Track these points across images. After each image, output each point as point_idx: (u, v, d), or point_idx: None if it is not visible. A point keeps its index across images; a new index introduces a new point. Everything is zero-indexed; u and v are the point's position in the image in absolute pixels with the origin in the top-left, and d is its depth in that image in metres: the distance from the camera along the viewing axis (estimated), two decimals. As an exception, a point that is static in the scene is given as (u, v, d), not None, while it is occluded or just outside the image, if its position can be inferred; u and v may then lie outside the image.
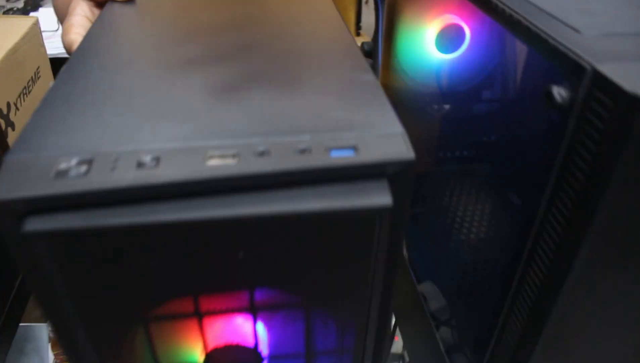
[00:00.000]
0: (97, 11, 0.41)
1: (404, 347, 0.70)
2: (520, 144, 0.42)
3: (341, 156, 0.24)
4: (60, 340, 0.27)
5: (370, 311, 0.29)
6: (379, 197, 0.24)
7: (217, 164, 0.23)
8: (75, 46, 0.37)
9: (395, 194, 0.24)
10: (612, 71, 0.24)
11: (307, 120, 0.26)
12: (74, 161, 0.23)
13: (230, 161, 0.24)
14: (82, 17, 0.40)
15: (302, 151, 0.24)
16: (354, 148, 0.25)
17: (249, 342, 0.30)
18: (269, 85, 0.30)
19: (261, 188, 0.24)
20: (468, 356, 0.46)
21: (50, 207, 0.22)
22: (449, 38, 0.53)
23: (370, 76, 0.32)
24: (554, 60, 0.27)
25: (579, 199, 0.26)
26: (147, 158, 0.23)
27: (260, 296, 0.28)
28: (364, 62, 0.33)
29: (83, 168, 0.23)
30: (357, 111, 0.27)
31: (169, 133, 0.25)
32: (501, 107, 0.50)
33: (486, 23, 0.52)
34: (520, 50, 0.48)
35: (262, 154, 0.24)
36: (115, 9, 0.42)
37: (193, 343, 0.30)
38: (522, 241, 0.34)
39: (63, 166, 0.23)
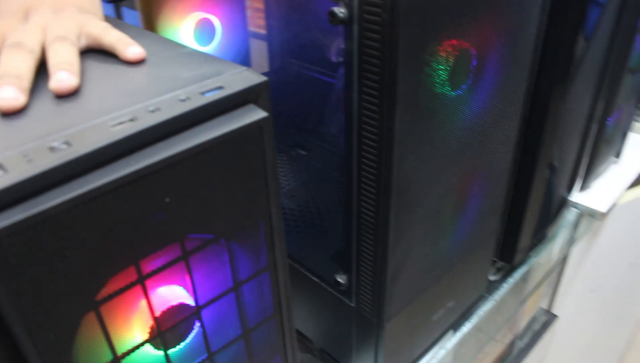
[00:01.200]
0: None
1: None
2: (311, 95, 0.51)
3: (214, 94, 0.30)
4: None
5: (272, 219, 0.35)
6: (256, 113, 0.30)
7: (122, 128, 0.27)
8: None
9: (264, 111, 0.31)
10: (369, -20, 0.34)
11: (176, 81, 0.31)
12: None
13: (131, 123, 0.27)
14: None
15: (183, 100, 0.29)
16: (221, 87, 0.30)
17: (187, 297, 0.33)
18: (133, 72, 0.33)
19: (164, 137, 0.28)
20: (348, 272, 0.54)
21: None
22: (204, 32, 0.60)
23: (188, 48, 0.37)
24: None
25: (381, 75, 0.36)
26: (57, 143, 0.26)
27: (188, 245, 0.31)
28: (178, 43, 0.38)
29: (-1, 172, 0.24)
30: (205, 67, 0.33)
31: (68, 121, 0.27)
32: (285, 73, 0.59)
33: (232, 14, 0.61)
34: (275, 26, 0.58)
35: (153, 111, 0.28)
36: None
37: (140, 318, 0.32)
38: (349, 148, 0.43)
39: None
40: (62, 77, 0.31)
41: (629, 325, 1.38)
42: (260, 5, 0.64)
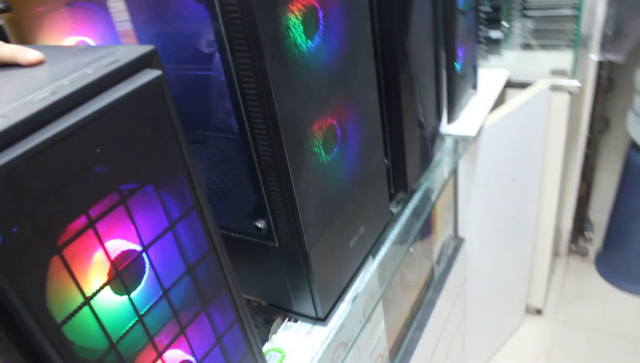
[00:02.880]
0: None
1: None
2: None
3: (114, 64, 0.37)
4: None
5: (187, 162, 0.42)
6: (152, 73, 0.38)
7: (47, 100, 0.33)
8: None
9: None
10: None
11: (78, 65, 0.38)
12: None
13: (53, 95, 0.33)
14: None
15: (90, 74, 0.36)
16: (118, 60, 0.37)
17: (132, 245, 0.40)
18: (38, 69, 0.40)
19: (82, 103, 0.34)
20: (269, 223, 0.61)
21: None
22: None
23: (80, 46, 0.44)
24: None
25: (246, 34, 0.45)
26: (-5, 120, 0.31)
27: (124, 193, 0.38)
28: (67, 45, 0.45)
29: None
30: (98, 52, 0.40)
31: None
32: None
33: (105, 34, 0.67)
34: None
35: (69, 85, 0.35)
36: None
37: (98, 266, 0.38)
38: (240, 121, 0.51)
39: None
40: None
41: (526, 238, 1.57)
42: (129, 27, 0.70)
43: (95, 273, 0.38)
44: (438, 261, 1.13)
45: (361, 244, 0.73)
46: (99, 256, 0.38)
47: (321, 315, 0.66)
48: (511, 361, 1.68)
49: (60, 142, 0.32)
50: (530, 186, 1.45)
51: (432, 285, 1.09)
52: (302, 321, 0.68)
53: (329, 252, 0.64)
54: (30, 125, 0.32)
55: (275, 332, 0.68)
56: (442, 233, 1.14)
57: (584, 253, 2.03)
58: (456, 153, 1.05)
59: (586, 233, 2.01)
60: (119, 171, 0.37)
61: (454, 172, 1.11)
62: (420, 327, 0.99)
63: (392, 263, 0.78)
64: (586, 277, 1.95)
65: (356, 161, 0.66)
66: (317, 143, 0.56)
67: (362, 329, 0.68)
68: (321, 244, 0.61)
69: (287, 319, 0.70)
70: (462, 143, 1.06)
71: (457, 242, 1.20)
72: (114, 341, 0.40)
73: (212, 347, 0.49)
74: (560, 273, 1.96)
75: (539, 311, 1.80)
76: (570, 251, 2.05)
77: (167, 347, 0.44)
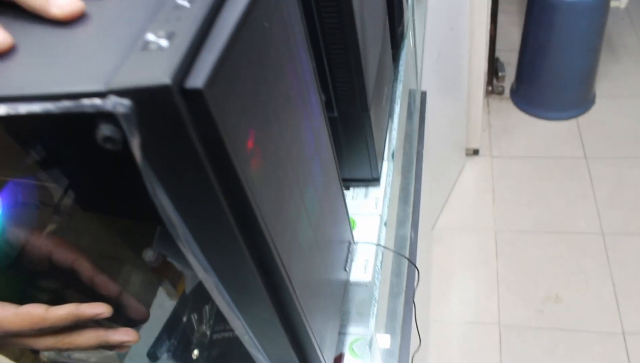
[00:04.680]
0: None
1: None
2: None
3: None
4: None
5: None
6: None
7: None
8: None
9: None
10: None
11: None
12: (153, 37, 0.27)
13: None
14: None
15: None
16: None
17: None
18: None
19: None
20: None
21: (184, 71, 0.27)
22: None
23: None
24: None
25: None
26: (152, 38, 0.28)
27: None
28: None
29: (163, 41, 0.27)
30: None
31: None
32: None
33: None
34: None
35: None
36: None
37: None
38: None
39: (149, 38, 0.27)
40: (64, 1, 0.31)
41: (462, 83, 1.67)
42: None
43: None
44: (412, 116, 1.19)
45: (386, 103, 0.75)
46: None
47: (376, 174, 0.69)
48: (462, 201, 1.86)
49: (248, 16, 0.31)
50: (463, 31, 1.53)
51: (415, 138, 1.15)
52: (354, 186, 0.71)
53: (376, 113, 0.66)
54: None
55: (332, 203, 0.71)
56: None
57: (500, 92, 2.21)
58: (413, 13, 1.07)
59: (499, 73, 2.17)
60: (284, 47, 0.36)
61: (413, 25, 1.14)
62: (418, 179, 1.06)
63: (403, 120, 0.82)
64: (507, 113, 2.14)
65: (378, 21, 0.66)
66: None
67: (417, 183, 0.72)
68: (374, 105, 0.63)
69: (338, 188, 0.72)
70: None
71: (422, 96, 1.26)
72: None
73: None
74: (485, 113, 2.13)
75: (476, 152, 1.98)
76: (488, 92, 2.22)
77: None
